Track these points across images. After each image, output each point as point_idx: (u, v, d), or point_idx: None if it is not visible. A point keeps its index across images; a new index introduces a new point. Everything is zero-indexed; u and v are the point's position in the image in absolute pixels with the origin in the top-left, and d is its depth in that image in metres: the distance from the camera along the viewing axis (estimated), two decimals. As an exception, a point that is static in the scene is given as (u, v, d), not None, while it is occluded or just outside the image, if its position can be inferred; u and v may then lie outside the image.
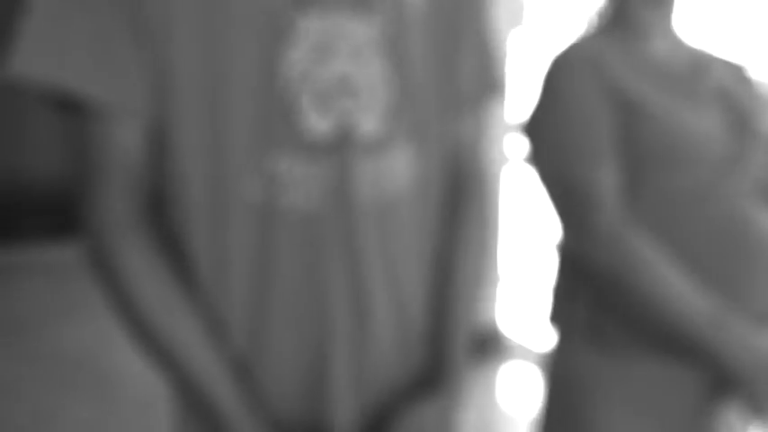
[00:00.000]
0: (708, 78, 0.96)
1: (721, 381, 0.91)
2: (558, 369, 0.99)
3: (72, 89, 0.61)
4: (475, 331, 0.82)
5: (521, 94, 2.71)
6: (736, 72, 1.00)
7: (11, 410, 2.49)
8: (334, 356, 0.71)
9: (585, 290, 0.95)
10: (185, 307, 0.67)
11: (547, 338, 1.03)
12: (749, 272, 0.88)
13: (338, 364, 0.71)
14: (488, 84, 0.82)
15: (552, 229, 0.98)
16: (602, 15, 1.02)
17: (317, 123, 0.67)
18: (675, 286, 0.85)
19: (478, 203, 0.83)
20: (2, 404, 2.53)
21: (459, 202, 0.82)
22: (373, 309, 0.72)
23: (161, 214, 0.70)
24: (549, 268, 1.04)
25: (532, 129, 0.95)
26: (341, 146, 0.68)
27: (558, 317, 1.00)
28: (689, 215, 0.88)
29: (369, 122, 0.69)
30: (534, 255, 2.78)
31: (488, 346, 2.99)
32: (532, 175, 0.96)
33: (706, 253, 0.88)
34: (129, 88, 0.63)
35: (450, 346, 0.78)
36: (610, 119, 0.90)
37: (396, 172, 0.71)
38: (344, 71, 0.67)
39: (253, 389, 0.71)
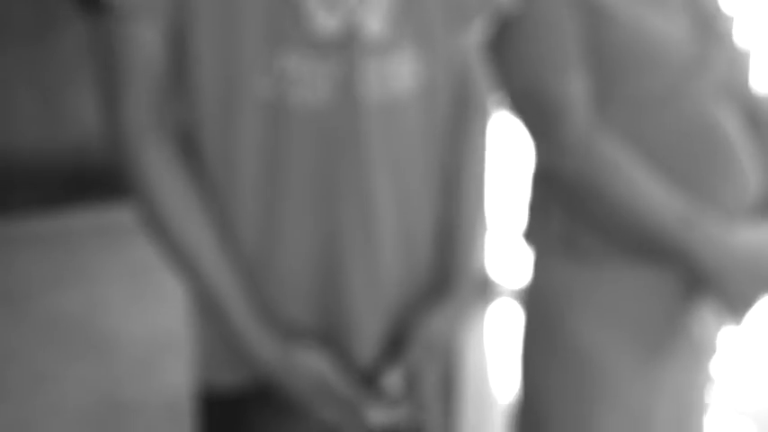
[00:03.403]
0: None
1: (695, 281, 0.92)
2: (535, 284, 1.00)
3: None
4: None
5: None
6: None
7: (12, 374, 2.52)
8: (345, 251, 0.73)
9: (558, 202, 0.95)
10: (201, 209, 0.70)
11: (525, 274, 1.04)
12: (717, 171, 0.89)
13: (349, 259, 0.74)
14: (492, 5, 0.83)
15: (525, 165, 0.98)
16: None
17: (324, 22, 0.69)
18: (646, 188, 0.86)
19: (482, 119, 0.85)
20: (3, 368, 2.57)
21: (465, 115, 0.84)
22: (379, 204, 0.74)
23: (178, 114, 0.73)
24: (524, 199, 1.05)
25: (498, 42, 0.94)
26: (347, 44, 0.70)
27: (532, 233, 1.01)
28: (657, 118, 0.89)
29: (374, 23, 0.71)
30: (510, 195, 2.79)
31: (478, 288, 3.02)
32: (501, 93, 0.96)
33: (675, 154, 0.89)
34: None
35: (458, 252, 0.81)
36: (576, 26, 0.89)
37: (401, 74, 0.74)
38: None
39: (264, 294, 0.74)
